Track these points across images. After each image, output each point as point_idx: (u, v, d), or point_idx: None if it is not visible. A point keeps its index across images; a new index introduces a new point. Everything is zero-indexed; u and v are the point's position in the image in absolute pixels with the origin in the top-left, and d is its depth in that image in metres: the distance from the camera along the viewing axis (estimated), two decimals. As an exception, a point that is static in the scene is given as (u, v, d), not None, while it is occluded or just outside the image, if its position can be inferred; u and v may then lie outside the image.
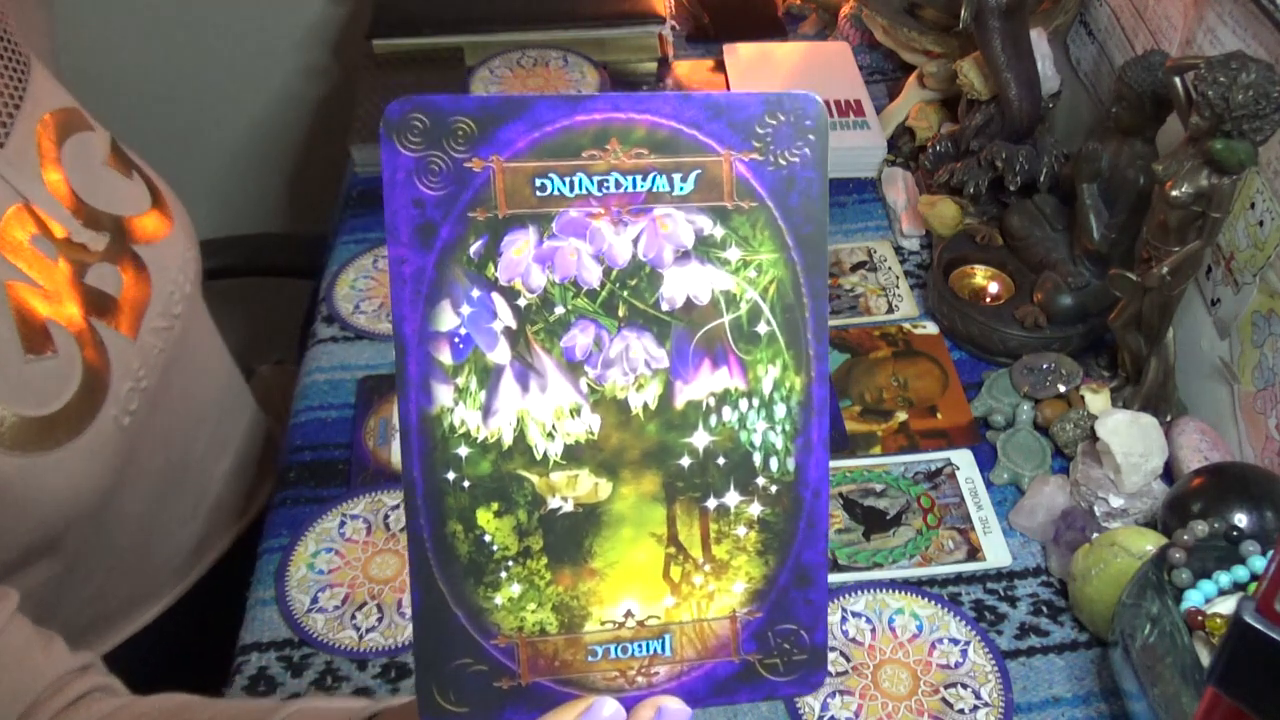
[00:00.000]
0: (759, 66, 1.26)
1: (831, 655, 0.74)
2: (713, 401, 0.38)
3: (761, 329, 0.38)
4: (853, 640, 0.75)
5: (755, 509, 0.39)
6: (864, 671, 0.74)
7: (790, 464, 0.39)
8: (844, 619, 0.77)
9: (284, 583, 0.79)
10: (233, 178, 1.71)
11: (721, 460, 0.39)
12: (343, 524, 0.83)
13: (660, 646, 0.40)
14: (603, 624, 0.39)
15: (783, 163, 0.38)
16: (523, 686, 0.39)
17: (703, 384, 0.38)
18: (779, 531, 0.39)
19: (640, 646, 0.39)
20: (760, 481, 0.39)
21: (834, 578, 0.79)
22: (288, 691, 0.73)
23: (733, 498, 0.39)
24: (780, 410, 0.39)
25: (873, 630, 0.76)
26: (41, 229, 0.72)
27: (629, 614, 0.39)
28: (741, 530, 0.39)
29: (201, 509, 0.94)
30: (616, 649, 0.39)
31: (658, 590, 0.39)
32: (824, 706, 0.72)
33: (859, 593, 0.78)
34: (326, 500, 0.85)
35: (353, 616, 0.77)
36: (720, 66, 1.28)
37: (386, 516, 0.83)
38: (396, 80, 1.23)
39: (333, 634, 0.76)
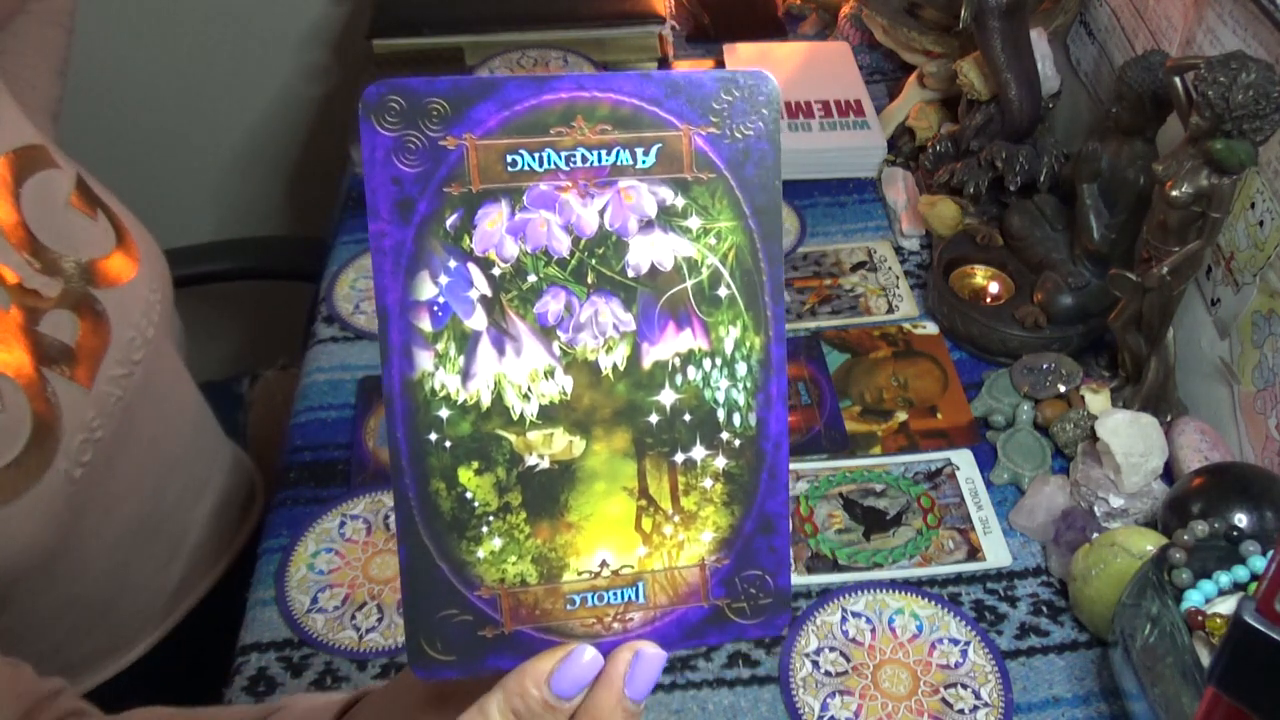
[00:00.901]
0: (759, 66, 1.26)
1: (831, 655, 0.74)
2: (678, 361, 0.41)
3: (722, 292, 0.41)
4: (853, 640, 0.75)
5: (720, 462, 0.42)
6: (864, 671, 0.74)
7: (752, 419, 0.42)
8: (844, 619, 0.77)
9: (284, 583, 0.79)
10: (233, 178, 1.71)
11: (688, 417, 0.41)
12: (343, 524, 0.83)
13: (634, 594, 0.42)
14: (579, 574, 0.42)
15: (738, 136, 0.40)
16: (506, 635, 0.41)
17: (668, 345, 0.41)
18: (743, 483, 0.42)
19: (615, 594, 0.42)
20: (724, 436, 0.42)
21: (834, 578, 0.80)
22: (287, 692, 0.74)
23: (699, 452, 0.41)
24: (742, 368, 0.41)
25: (873, 630, 0.76)
26: None
27: (604, 564, 0.42)
28: (708, 482, 0.42)
29: (180, 554, 0.92)
30: (593, 597, 0.42)
31: (630, 541, 0.42)
32: (824, 706, 0.72)
33: (859, 593, 0.78)
34: (326, 500, 0.85)
35: (353, 617, 0.77)
36: (720, 67, 1.28)
37: (387, 517, 0.83)
38: (396, 80, 1.23)
39: (333, 634, 0.76)
